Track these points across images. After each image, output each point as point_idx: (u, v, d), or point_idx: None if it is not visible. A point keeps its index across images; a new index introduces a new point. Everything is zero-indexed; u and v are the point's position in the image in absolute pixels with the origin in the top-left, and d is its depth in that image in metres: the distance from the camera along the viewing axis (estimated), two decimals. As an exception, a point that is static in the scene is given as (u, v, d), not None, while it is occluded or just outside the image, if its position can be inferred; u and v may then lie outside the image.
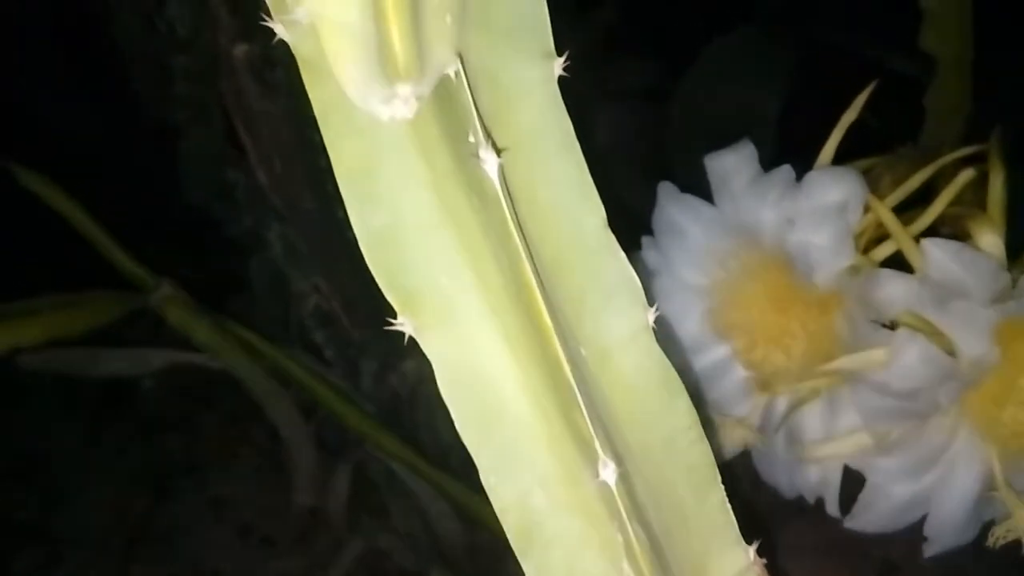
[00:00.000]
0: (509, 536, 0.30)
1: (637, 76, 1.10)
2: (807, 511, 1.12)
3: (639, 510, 0.29)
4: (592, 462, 0.29)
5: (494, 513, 1.04)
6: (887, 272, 0.55)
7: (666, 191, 0.66)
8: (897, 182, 0.64)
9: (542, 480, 0.30)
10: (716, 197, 0.64)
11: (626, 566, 0.28)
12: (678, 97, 1.00)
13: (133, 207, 1.00)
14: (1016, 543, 0.56)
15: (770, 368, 0.63)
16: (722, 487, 0.32)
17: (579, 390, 0.29)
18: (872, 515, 0.58)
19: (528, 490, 0.30)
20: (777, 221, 0.60)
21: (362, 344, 0.99)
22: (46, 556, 1.15)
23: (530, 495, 0.30)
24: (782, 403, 0.64)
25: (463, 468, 1.07)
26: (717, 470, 0.32)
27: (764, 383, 0.62)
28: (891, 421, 0.55)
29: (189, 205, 0.97)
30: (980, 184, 0.62)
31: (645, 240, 0.68)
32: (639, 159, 1.02)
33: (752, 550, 0.32)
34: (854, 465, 0.60)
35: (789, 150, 0.67)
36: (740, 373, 0.66)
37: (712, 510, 0.32)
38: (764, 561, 0.31)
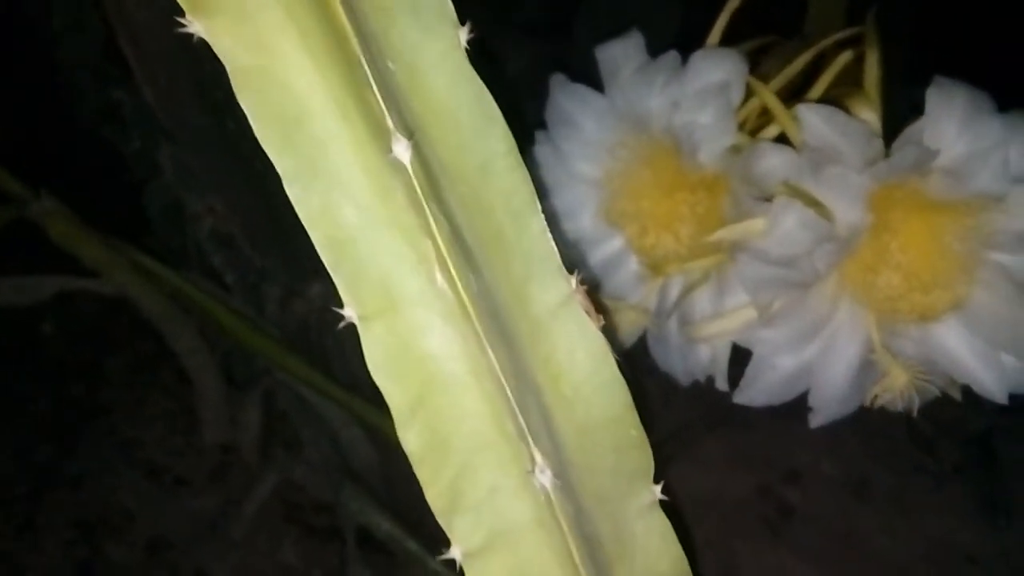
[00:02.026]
0: (319, 250, 0.29)
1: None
2: (715, 426, 1.15)
3: (443, 205, 0.28)
4: (385, 140, 0.27)
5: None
6: (765, 144, 0.56)
7: (557, 82, 0.66)
8: (781, 68, 0.65)
9: (340, 182, 0.28)
10: (606, 87, 0.64)
11: (439, 276, 0.28)
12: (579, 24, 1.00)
13: (11, 129, 0.95)
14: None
15: (661, 252, 0.63)
16: (542, 217, 0.32)
17: (379, 91, 0.27)
18: (759, 388, 0.60)
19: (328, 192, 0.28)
20: (664, 106, 0.61)
21: (264, 269, 0.96)
22: (-55, 509, 1.11)
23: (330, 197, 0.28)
24: (675, 288, 0.65)
25: (375, 394, 1.07)
26: (536, 201, 0.31)
27: (656, 267, 0.63)
28: (773, 291, 0.56)
29: (71, 126, 0.92)
30: (860, 67, 0.63)
31: (538, 134, 0.68)
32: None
33: (575, 279, 0.32)
34: (742, 342, 0.61)
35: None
36: (634, 262, 0.66)
37: (532, 239, 0.31)
38: (585, 288, 0.31)
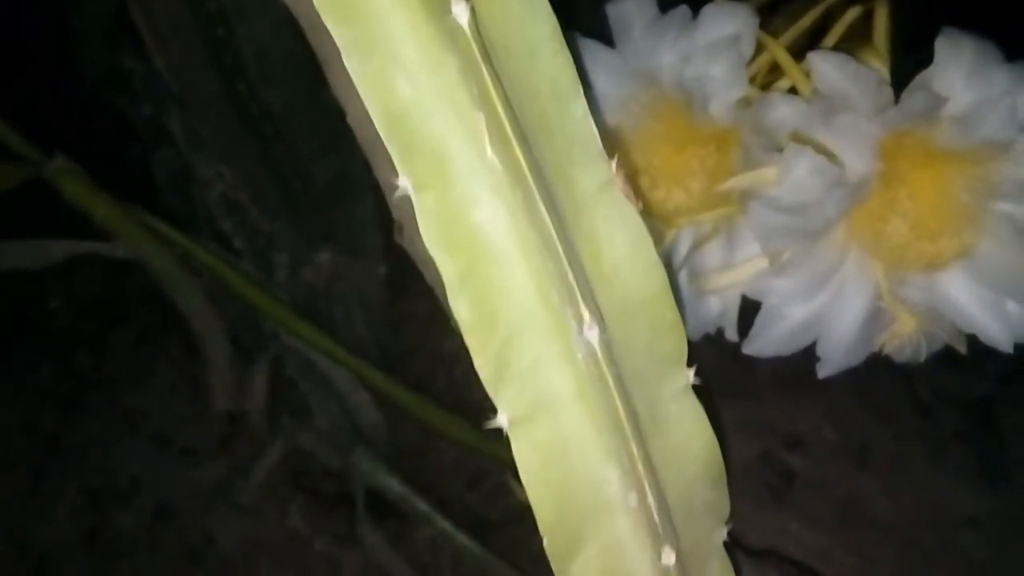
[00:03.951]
0: (375, 121, 0.29)
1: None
2: (719, 395, 1.16)
3: (495, 79, 0.29)
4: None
5: (416, 400, 1.04)
6: (776, 95, 0.57)
7: (568, 39, 0.66)
8: (790, 24, 0.66)
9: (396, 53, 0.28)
10: (617, 43, 0.65)
11: (489, 150, 0.28)
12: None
13: (23, 96, 0.96)
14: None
15: (671, 206, 0.64)
16: (584, 102, 0.33)
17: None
18: (768, 338, 0.61)
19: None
20: (675, 60, 0.61)
21: (273, 235, 0.97)
22: (-50, 478, 1.11)
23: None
24: (685, 243, 0.66)
25: (384, 360, 1.08)
26: (579, 85, 0.33)
27: (665, 221, 0.64)
28: (784, 240, 0.57)
29: (82, 94, 0.93)
30: (868, 23, 0.64)
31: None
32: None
33: (615, 163, 0.33)
34: (751, 294, 0.62)
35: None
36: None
37: (575, 123, 0.32)
38: (625, 172, 0.32)
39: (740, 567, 0.72)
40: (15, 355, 1.21)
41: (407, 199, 0.30)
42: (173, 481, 1.15)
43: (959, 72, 0.53)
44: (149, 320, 1.23)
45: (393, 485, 0.94)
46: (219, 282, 0.93)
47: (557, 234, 0.30)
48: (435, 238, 0.29)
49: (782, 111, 0.56)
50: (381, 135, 0.28)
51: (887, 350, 0.59)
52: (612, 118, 0.66)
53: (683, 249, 0.65)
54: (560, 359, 0.31)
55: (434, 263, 0.30)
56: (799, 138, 0.56)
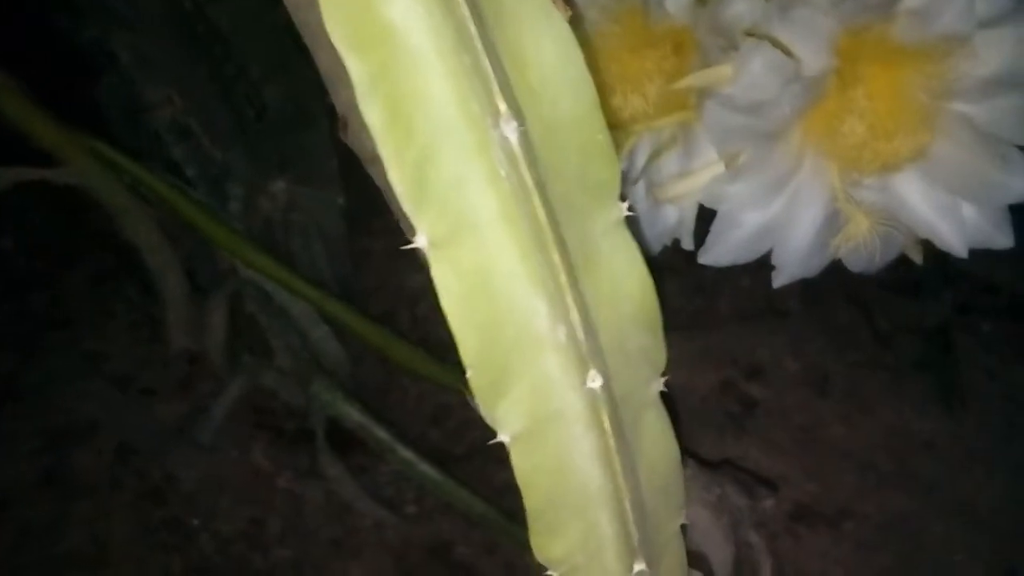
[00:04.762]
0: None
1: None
2: (681, 328, 1.16)
3: None
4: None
5: (379, 334, 1.02)
6: (733, -10, 0.55)
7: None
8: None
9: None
10: (573, -55, 0.63)
11: None
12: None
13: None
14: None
15: (628, 113, 0.63)
16: None
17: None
18: (724, 247, 0.60)
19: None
20: (631, -42, 0.60)
21: (226, 163, 0.95)
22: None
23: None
24: (642, 153, 0.65)
25: (344, 292, 1.06)
26: None
27: (622, 128, 0.63)
28: (740, 140, 0.56)
29: (22, 15, 0.89)
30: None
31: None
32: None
33: None
34: (707, 202, 0.61)
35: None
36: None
37: None
38: None
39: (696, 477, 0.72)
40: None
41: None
42: (133, 421, 1.13)
43: (916, -36, 0.52)
44: (104, 258, 1.21)
45: (353, 414, 0.93)
46: (172, 213, 0.90)
47: (478, 34, 0.28)
48: (343, 33, 0.27)
49: (738, 7, 0.55)
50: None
51: (841, 254, 0.58)
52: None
53: (640, 159, 0.64)
54: (483, 178, 0.29)
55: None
56: (756, 34, 0.54)
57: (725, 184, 0.59)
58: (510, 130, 0.28)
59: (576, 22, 0.30)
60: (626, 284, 0.33)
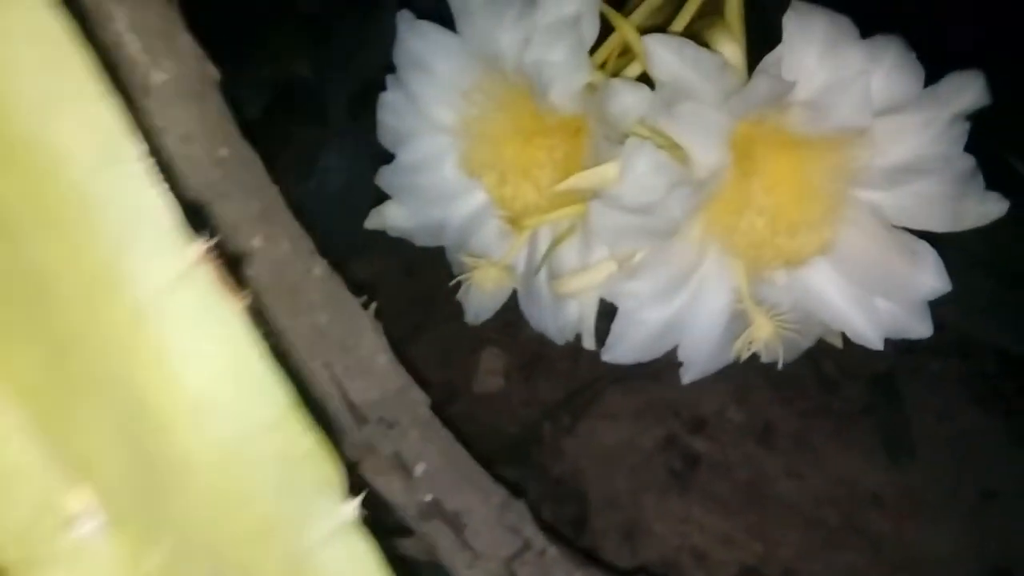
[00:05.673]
0: None
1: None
2: (622, 379, 1.12)
3: None
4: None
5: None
6: (618, 82, 0.51)
7: (404, 20, 0.60)
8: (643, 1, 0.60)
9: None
10: (457, 24, 0.59)
11: None
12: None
13: None
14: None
15: (520, 203, 0.59)
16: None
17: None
18: (626, 345, 0.56)
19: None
20: (515, 43, 0.56)
21: None
22: None
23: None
24: (543, 241, 0.61)
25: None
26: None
27: (516, 220, 0.59)
28: (632, 241, 0.52)
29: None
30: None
31: (389, 79, 0.62)
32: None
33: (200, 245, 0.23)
34: (609, 297, 0.58)
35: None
36: (498, 216, 0.62)
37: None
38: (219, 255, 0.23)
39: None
40: None
41: None
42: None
43: (810, 52, 0.48)
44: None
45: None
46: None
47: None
48: None
49: (626, 100, 0.51)
50: None
51: (746, 355, 0.55)
52: (456, 108, 0.61)
53: (542, 245, 0.60)
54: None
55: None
56: (646, 128, 0.50)
57: (623, 281, 0.55)
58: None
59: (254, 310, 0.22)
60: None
